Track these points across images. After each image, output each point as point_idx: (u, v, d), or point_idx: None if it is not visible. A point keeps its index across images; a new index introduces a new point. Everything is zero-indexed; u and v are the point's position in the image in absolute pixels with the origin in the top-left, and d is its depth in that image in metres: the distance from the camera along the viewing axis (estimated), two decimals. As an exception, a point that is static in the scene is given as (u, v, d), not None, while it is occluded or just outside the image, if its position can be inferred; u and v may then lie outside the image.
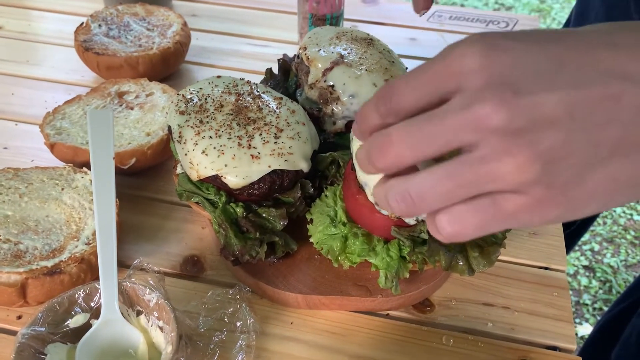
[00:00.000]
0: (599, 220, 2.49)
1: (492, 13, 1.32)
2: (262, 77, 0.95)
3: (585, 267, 2.30)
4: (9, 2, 1.32)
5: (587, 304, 2.17)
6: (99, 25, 1.09)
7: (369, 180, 0.65)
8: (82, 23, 1.09)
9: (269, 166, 0.70)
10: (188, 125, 0.72)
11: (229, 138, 0.71)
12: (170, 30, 1.09)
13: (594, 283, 2.24)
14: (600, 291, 2.21)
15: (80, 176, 0.80)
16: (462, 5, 3.66)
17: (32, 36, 1.22)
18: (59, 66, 1.13)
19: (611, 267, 2.30)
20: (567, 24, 1.38)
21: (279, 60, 0.92)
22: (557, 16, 3.64)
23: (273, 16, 1.30)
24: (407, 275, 0.67)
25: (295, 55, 0.95)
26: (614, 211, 2.53)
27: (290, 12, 1.30)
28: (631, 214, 2.51)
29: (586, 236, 2.42)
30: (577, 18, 1.29)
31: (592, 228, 2.44)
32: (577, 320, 2.10)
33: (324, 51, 0.83)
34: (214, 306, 0.70)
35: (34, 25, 1.25)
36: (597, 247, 2.38)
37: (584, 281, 2.24)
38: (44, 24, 1.26)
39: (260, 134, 0.72)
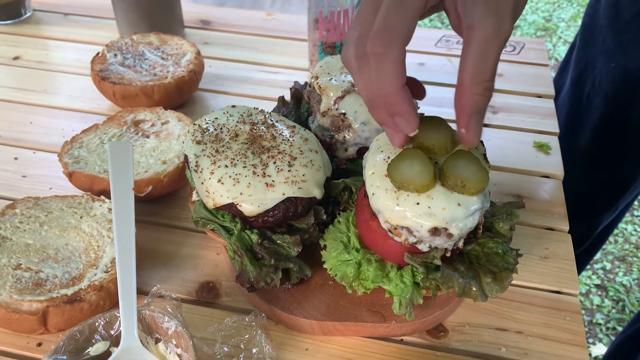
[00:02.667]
0: (610, 239, 2.48)
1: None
2: (274, 103, 0.97)
3: (597, 286, 2.29)
4: (27, 32, 1.36)
5: (600, 324, 2.15)
6: (115, 55, 1.12)
7: (383, 208, 0.66)
8: (98, 53, 1.12)
9: (283, 194, 0.72)
10: (204, 155, 0.74)
11: (244, 167, 0.73)
12: (184, 59, 1.11)
13: (607, 302, 2.22)
14: (614, 310, 2.19)
15: (99, 204, 0.82)
16: (468, 26, 3.69)
17: (49, 65, 1.25)
18: (76, 95, 1.16)
19: (624, 285, 2.28)
20: (572, 49, 1.39)
21: (291, 88, 0.94)
22: (563, 35, 3.67)
23: (283, 43, 1.33)
24: (421, 302, 0.68)
25: (306, 82, 0.97)
26: (625, 229, 2.52)
27: (300, 39, 1.33)
28: (643, 232, 2.50)
29: (597, 255, 2.40)
30: (582, 44, 1.31)
31: (602, 247, 2.43)
32: (590, 340, 2.08)
33: (335, 80, 0.84)
34: (230, 333, 0.71)
35: (51, 54, 1.29)
36: (609, 266, 2.37)
37: (597, 300, 2.22)
38: (61, 54, 1.29)
39: (275, 162, 0.73)
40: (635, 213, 2.60)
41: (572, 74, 1.32)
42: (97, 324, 0.64)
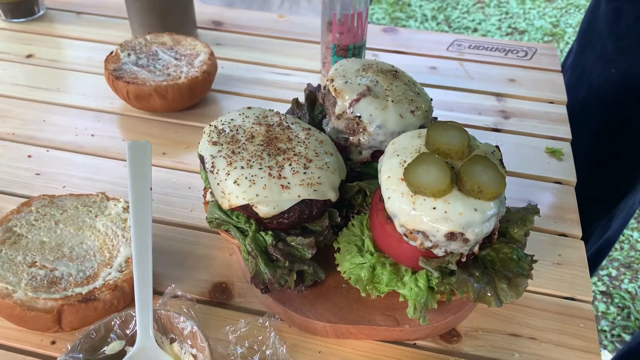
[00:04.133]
0: (616, 245, 2.47)
1: (511, 42, 1.34)
2: (286, 105, 0.98)
3: (602, 292, 2.28)
4: (40, 30, 1.36)
5: (605, 331, 2.14)
6: (128, 54, 1.12)
7: (399, 212, 0.66)
8: (112, 52, 1.13)
9: (299, 196, 0.72)
10: (220, 156, 0.74)
11: (260, 168, 0.73)
12: (197, 60, 1.11)
13: (612, 309, 2.21)
14: (619, 317, 2.19)
15: (113, 204, 0.82)
16: (476, 30, 3.70)
17: (62, 64, 1.25)
18: (89, 93, 1.16)
19: (629, 292, 2.27)
20: (569, 55, 1.39)
21: (305, 90, 0.94)
22: (570, 40, 3.67)
23: (295, 45, 1.33)
24: (436, 306, 0.68)
25: (319, 85, 0.98)
26: (631, 236, 2.51)
27: (313, 42, 1.33)
28: (649, 240, 2.49)
29: (603, 261, 2.40)
30: (580, 50, 1.30)
31: (609, 253, 2.42)
32: (596, 347, 2.07)
33: (350, 83, 0.85)
34: (244, 334, 0.71)
35: (64, 53, 1.29)
36: (614, 273, 2.36)
37: (602, 307, 2.22)
38: (74, 52, 1.29)
39: (290, 164, 0.73)
40: (642, 220, 2.59)
41: (568, 80, 1.32)
42: (112, 323, 0.64)
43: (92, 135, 1.06)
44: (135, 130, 1.07)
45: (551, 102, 1.16)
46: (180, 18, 1.28)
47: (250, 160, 0.73)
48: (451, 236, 0.64)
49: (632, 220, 2.59)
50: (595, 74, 1.24)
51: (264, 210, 0.71)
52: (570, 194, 0.95)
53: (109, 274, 0.73)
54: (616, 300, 2.24)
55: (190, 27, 1.31)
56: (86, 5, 1.46)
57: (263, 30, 1.38)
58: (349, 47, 1.14)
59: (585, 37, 1.29)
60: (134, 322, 0.65)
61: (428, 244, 0.66)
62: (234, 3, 1.88)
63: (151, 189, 0.66)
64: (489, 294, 0.67)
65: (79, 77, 1.22)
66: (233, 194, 0.72)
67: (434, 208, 0.64)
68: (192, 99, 1.09)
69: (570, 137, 1.07)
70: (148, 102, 1.05)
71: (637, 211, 2.63)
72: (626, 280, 2.32)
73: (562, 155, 1.03)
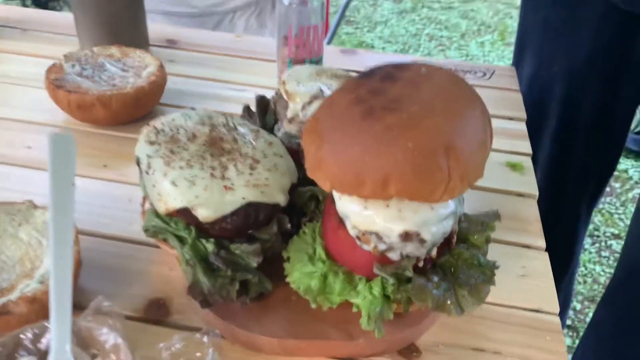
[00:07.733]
0: (579, 279, 2.47)
1: (470, 64, 1.34)
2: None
3: (568, 327, 2.25)
4: (-19, 44, 1.29)
5: (572, 366, 2.10)
6: (73, 65, 1.06)
7: (350, 212, 0.62)
8: (55, 63, 1.07)
9: (243, 198, 0.66)
10: (158, 155, 0.68)
11: (201, 169, 0.67)
12: (145, 71, 1.06)
13: (577, 343, 2.18)
14: (585, 352, 2.15)
15: (41, 212, 0.75)
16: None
17: (5, 79, 1.18)
18: (32, 107, 1.09)
19: (595, 327, 2.25)
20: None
21: (256, 96, 0.90)
22: (528, 81, 3.78)
23: (252, 63, 1.30)
24: (392, 316, 0.62)
25: (273, 96, 0.93)
26: (594, 270, 2.51)
27: (270, 60, 1.30)
28: (611, 272, 2.49)
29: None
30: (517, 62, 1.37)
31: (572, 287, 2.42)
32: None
33: (303, 86, 0.81)
34: (179, 351, 0.63)
35: (8, 68, 1.22)
36: (578, 307, 2.34)
37: (568, 341, 2.18)
38: (19, 67, 1.22)
39: (235, 165, 0.68)
40: (603, 254, 2.61)
41: (523, 88, 1.35)
42: (22, 336, 0.56)
43: (29, 147, 0.99)
44: (77, 143, 1.00)
45: (510, 119, 1.15)
46: (132, 34, 1.23)
47: (190, 160, 0.68)
48: (406, 236, 0.60)
49: (594, 254, 2.60)
50: (542, 74, 1.31)
51: (204, 213, 0.65)
52: (532, 206, 0.92)
53: (28, 285, 0.65)
54: (581, 334, 2.21)
55: (142, 44, 1.26)
56: (33, 22, 1.39)
57: (219, 49, 1.34)
58: (306, 62, 1.11)
59: (521, 44, 1.38)
60: (48, 334, 0.57)
61: (382, 247, 0.61)
62: (202, 27, 1.85)
63: (74, 184, 0.59)
64: (448, 302, 0.62)
65: (22, 91, 1.15)
66: (170, 196, 0.66)
67: (387, 206, 0.59)
68: (137, 110, 1.03)
69: (530, 152, 1.05)
70: (91, 113, 0.99)
71: (597, 245, 2.66)
72: (591, 314, 2.30)
73: (523, 169, 1.00)
